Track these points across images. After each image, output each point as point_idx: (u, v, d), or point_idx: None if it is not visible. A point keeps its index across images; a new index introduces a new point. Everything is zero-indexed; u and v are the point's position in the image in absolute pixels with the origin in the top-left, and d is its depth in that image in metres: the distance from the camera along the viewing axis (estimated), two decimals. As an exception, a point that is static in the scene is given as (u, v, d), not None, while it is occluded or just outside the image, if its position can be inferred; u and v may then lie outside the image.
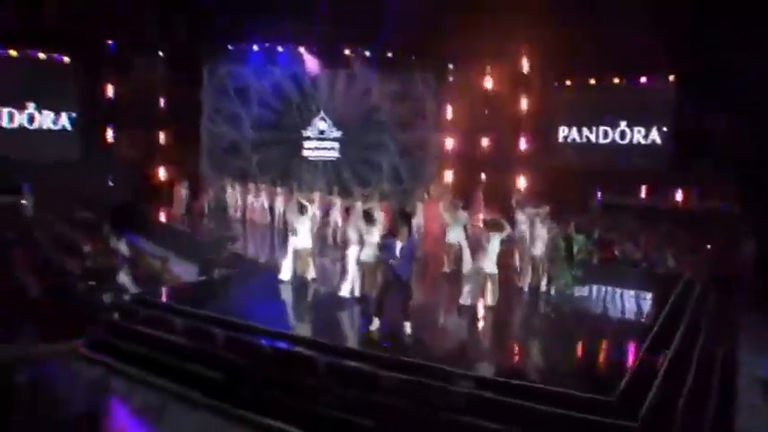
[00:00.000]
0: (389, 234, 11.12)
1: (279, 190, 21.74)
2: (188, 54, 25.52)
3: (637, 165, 24.19)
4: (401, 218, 11.86)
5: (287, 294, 13.23)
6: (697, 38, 20.56)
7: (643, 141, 24.82)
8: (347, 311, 12.01)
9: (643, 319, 12.58)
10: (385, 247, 10.68)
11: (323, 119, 26.81)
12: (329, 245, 18.00)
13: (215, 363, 9.97)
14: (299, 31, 25.34)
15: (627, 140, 25.08)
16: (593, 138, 25.75)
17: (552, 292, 13.57)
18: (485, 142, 26.72)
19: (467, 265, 13.59)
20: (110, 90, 25.18)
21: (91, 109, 24.79)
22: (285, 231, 16.76)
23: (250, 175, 24.98)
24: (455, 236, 14.50)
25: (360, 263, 12.13)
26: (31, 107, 23.73)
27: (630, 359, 9.55)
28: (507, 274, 13.50)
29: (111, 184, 25.17)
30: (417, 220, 16.97)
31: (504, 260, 12.75)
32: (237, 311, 11.60)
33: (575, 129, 26.13)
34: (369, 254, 11.83)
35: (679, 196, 23.16)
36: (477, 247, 12.72)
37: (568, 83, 25.90)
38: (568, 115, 26.20)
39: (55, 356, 11.11)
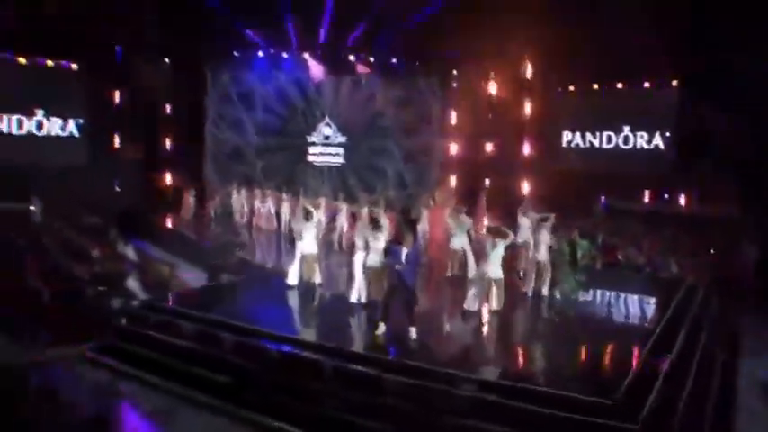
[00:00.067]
0: (395, 240, 11.29)
1: (285, 196, 21.91)
2: (193, 60, 25.78)
3: (640, 169, 24.23)
4: (406, 224, 12.03)
5: (293, 299, 13.42)
6: (698, 39, 20.59)
7: (646, 146, 24.84)
8: (353, 316, 12.17)
9: (645, 323, 12.67)
10: (390, 252, 10.87)
11: (328, 124, 26.94)
12: (335, 250, 18.16)
13: (223, 366, 10.13)
14: (303, 38, 25.56)
15: (630, 145, 25.11)
16: (596, 143, 25.76)
17: (557, 296, 13.70)
18: (488, 147, 26.78)
19: (471, 270, 13.73)
20: (116, 97, 25.43)
21: (98, 115, 25.01)
22: (291, 237, 16.92)
23: (255, 181, 25.20)
24: (459, 242, 14.68)
25: (366, 268, 12.28)
26: (39, 114, 23.97)
27: (632, 363, 9.65)
28: (511, 278, 13.62)
29: (117, 189, 25.38)
30: (422, 226, 17.11)
31: (507, 265, 12.86)
32: (245, 316, 11.82)
33: (578, 134, 26.17)
34: (375, 259, 11.96)
35: (682, 201, 23.20)
36: (481, 253, 12.87)
37: (572, 88, 25.87)
38: (572, 120, 26.19)
39: (65, 361, 11.26)
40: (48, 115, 24.20)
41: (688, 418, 8.43)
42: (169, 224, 23.36)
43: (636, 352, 10.17)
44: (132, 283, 14.28)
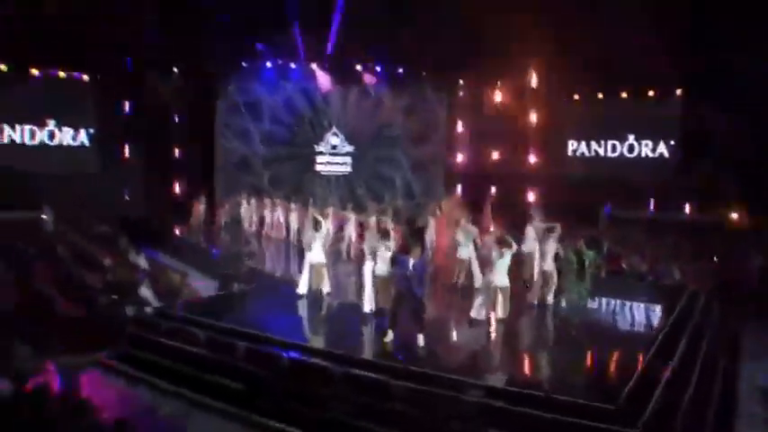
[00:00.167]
0: (402, 250, 11.53)
1: (293, 206, 22.15)
2: (202, 71, 26.06)
3: (645, 177, 24.37)
4: (412, 234, 12.24)
5: (303, 308, 13.67)
6: (698, 40, 20.71)
7: (651, 154, 25.05)
8: (362, 324, 12.39)
9: (648, 330, 12.89)
10: (397, 262, 11.12)
11: (335, 134, 27.21)
12: (343, 259, 18.37)
13: (235, 373, 10.36)
14: (310, 48, 25.85)
15: (635, 153, 25.33)
16: (601, 151, 25.99)
17: (562, 304, 13.89)
18: (494, 156, 27.01)
19: (477, 279, 13.94)
20: (126, 106, 25.74)
21: (108, 125, 25.28)
22: (300, 246, 17.16)
23: (263, 191, 25.45)
24: (466, 251, 14.87)
25: (374, 277, 12.49)
26: (51, 124, 24.25)
27: (634, 369, 9.81)
28: (517, 287, 13.81)
29: (127, 198, 25.65)
30: (429, 236, 17.31)
31: (513, 274, 13.02)
32: (255, 324, 12.06)
33: (583, 142, 26.39)
34: (382, 268, 12.16)
35: (686, 208, 23.36)
36: (487, 262, 13.07)
37: (576, 97, 26.12)
38: (577, 129, 26.43)
39: (81, 368, 11.51)
40: (59, 125, 24.44)
41: (689, 422, 8.63)
42: (179, 233, 23.60)
43: (638, 358, 10.34)
44: (145, 292, 14.53)
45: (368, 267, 12.67)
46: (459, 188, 26.36)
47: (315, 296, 13.91)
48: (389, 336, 10.91)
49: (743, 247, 19.38)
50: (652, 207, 24.18)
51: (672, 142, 24.39)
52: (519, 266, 14.40)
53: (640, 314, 14.78)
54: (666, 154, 24.66)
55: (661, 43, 21.52)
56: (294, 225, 21.65)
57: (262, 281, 16.52)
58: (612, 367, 10.55)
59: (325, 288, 14.19)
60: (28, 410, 8.30)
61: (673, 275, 18.01)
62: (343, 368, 9.69)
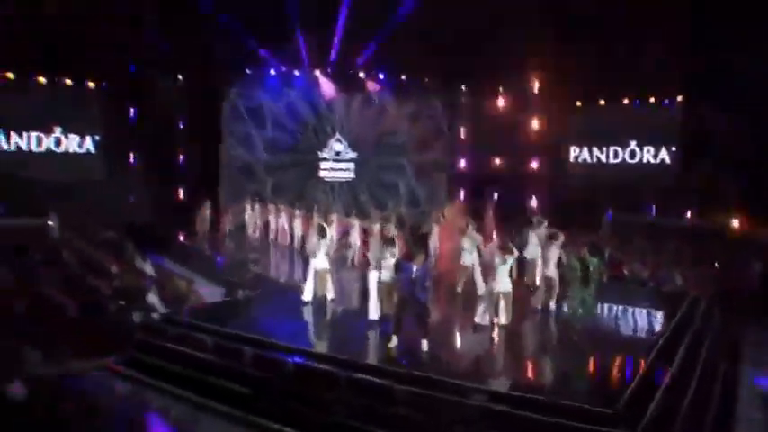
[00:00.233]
0: (406, 257, 11.69)
1: (297, 212, 22.30)
2: (206, 77, 26.28)
3: (646, 183, 24.51)
4: (416, 241, 12.37)
5: (307, 313, 13.79)
6: (698, 46, 20.81)
7: (652, 161, 25.19)
8: (366, 330, 12.49)
9: (649, 336, 12.97)
10: (401, 268, 11.28)
11: (338, 140, 27.38)
12: (347, 266, 18.49)
13: (241, 377, 10.54)
14: (314, 55, 26.04)
15: (636, 160, 25.48)
16: (603, 157, 26.14)
17: (565, 309, 14.02)
18: (497, 163, 27.17)
19: (480, 285, 14.09)
20: (131, 113, 25.98)
21: (113, 132, 25.50)
22: (304, 252, 17.30)
23: (267, 197, 25.62)
24: (469, 257, 14.98)
25: (379, 284, 12.63)
26: (57, 131, 24.52)
27: (634, 373, 9.93)
28: (520, 292, 13.93)
29: (132, 203, 25.84)
30: (433, 242, 17.45)
31: (517, 280, 13.16)
32: (261, 330, 12.23)
33: (585, 149, 26.54)
34: (386, 275, 12.23)
35: (688, 215, 23.48)
36: (489, 268, 13.21)
37: (578, 104, 26.27)
38: (579, 135, 26.59)
39: (91, 373, 11.69)
40: (66, 132, 24.73)
41: (688, 427, 8.77)
42: (184, 239, 23.80)
43: (638, 363, 10.44)
44: (152, 298, 14.71)
45: (373, 276, 12.72)
46: (462, 194, 26.49)
47: (319, 302, 14.04)
48: (394, 341, 11.06)
49: (744, 253, 19.50)
50: (654, 213, 24.28)
51: (673, 148, 24.52)
52: (521, 272, 14.55)
53: (641, 320, 14.87)
54: (668, 160, 24.79)
55: (661, 49, 21.72)
56: (298, 231, 21.78)
57: (266, 287, 16.66)
58: (613, 372, 10.69)
59: (330, 294, 14.33)
60: (42, 412, 8.49)
61: (674, 281, 18.10)
62: (347, 373, 9.84)
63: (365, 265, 14.53)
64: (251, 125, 27.00)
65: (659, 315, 14.70)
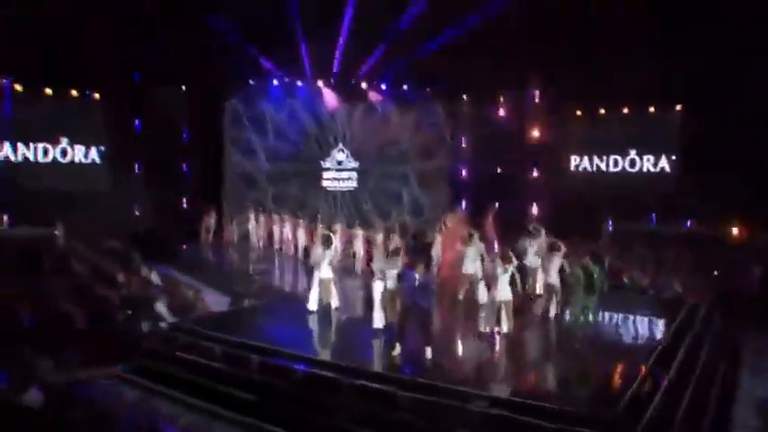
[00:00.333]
0: (408, 266, 11.90)
1: (301, 221, 22.50)
2: (210, 88, 26.52)
3: (646, 192, 24.63)
4: (417, 249, 12.54)
5: (313, 322, 14.00)
6: (698, 53, 20.87)
7: (652, 169, 25.32)
8: (371, 338, 12.69)
9: (647, 342, 13.13)
10: (404, 278, 11.51)
11: (341, 150, 27.58)
12: (351, 275, 18.64)
13: (248, 384, 10.77)
14: (317, 65, 26.29)
15: (636, 168, 25.63)
16: (603, 166, 26.29)
17: (567, 317, 14.18)
18: (498, 171, 27.32)
19: (482, 293, 14.27)
20: (136, 124, 26.23)
21: (118, 142, 25.71)
22: (308, 262, 17.50)
23: (271, 206, 25.84)
24: (472, 266, 15.15)
25: (382, 292, 12.82)
26: (63, 142, 24.74)
27: (633, 379, 10.03)
28: (521, 300, 14.12)
29: (136, 213, 26.08)
30: (435, 251, 17.62)
31: (516, 289, 13.32)
32: (267, 338, 12.46)
33: (585, 157, 26.69)
34: (390, 284, 12.37)
35: (687, 222, 23.63)
36: (491, 276, 13.42)
37: (579, 113, 26.41)
38: (579, 144, 26.73)
39: (98, 381, 11.92)
40: (71, 143, 24.96)
41: (685, 431, 8.98)
42: (189, 248, 24.03)
43: (637, 369, 10.57)
44: (160, 307, 14.94)
45: (377, 285, 12.85)
46: (463, 203, 26.65)
47: (324, 311, 14.23)
48: (397, 349, 11.27)
49: (743, 260, 19.66)
50: (654, 221, 24.42)
51: (673, 157, 24.66)
52: (522, 280, 14.71)
53: (641, 327, 15.00)
54: (668, 168, 24.92)
55: (660, 58, 21.89)
56: (302, 241, 21.98)
57: (271, 296, 16.91)
58: (612, 377, 10.81)
59: (334, 303, 14.49)
60: (51, 419, 8.71)
61: (674, 289, 18.21)
62: (352, 380, 10.05)
63: (369, 274, 14.71)
64: (255, 135, 27.21)
65: (659, 322, 14.85)
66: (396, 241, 15.44)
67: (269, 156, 27.41)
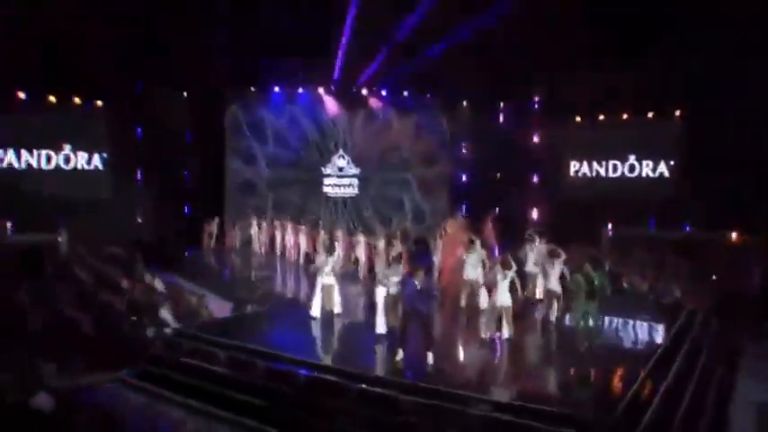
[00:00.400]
0: (408, 273, 12.03)
1: (303, 228, 22.62)
2: (212, 95, 26.65)
3: (646, 197, 24.75)
4: (417, 255, 12.64)
5: (315, 328, 14.08)
6: (696, 57, 21.00)
7: (651, 174, 25.48)
8: (373, 343, 12.75)
9: (646, 347, 13.26)
10: (404, 284, 11.63)
11: (342, 156, 27.72)
12: (353, 281, 18.69)
13: (252, 389, 10.87)
14: (318, 72, 26.44)
15: (636, 173, 25.77)
16: (602, 172, 26.43)
17: (567, 322, 14.29)
18: (498, 177, 27.45)
19: (483, 299, 14.39)
20: (138, 131, 26.35)
21: (121, 149, 25.83)
22: (309, 268, 17.61)
23: (272, 213, 25.96)
24: (474, 272, 15.24)
25: (384, 297, 12.89)
26: (67, 149, 24.87)
27: (631, 384, 10.14)
28: (523, 306, 14.24)
29: (139, 219, 26.21)
30: (435, 256, 17.71)
31: (516, 295, 13.40)
32: (270, 343, 12.57)
33: (585, 163, 26.83)
34: (393, 289, 12.52)
35: (687, 227, 23.73)
36: (492, 282, 13.52)
37: (578, 119, 26.55)
38: (579, 150, 26.88)
39: (104, 385, 12.02)
40: (74, 150, 25.09)
41: (682, 435, 9.12)
42: (192, 255, 24.13)
43: (636, 373, 10.66)
44: (165, 314, 15.06)
45: (380, 292, 12.95)
46: (463, 209, 26.75)
47: (326, 317, 14.35)
48: (399, 354, 11.39)
49: (743, 264, 19.74)
50: (653, 226, 24.53)
51: (672, 162, 24.81)
52: (522, 286, 14.81)
53: (640, 332, 15.04)
54: (667, 173, 25.08)
55: (660, 64, 22.01)
56: (303, 247, 22.09)
57: (274, 302, 17.02)
58: (611, 382, 10.94)
59: (336, 309, 14.63)
60: (57, 424, 8.83)
61: (673, 294, 18.27)
62: (356, 385, 10.18)
63: (371, 280, 14.81)
64: (255, 142, 27.39)
65: (658, 327, 14.91)
66: (397, 247, 15.52)
67: (269, 162, 27.54)
